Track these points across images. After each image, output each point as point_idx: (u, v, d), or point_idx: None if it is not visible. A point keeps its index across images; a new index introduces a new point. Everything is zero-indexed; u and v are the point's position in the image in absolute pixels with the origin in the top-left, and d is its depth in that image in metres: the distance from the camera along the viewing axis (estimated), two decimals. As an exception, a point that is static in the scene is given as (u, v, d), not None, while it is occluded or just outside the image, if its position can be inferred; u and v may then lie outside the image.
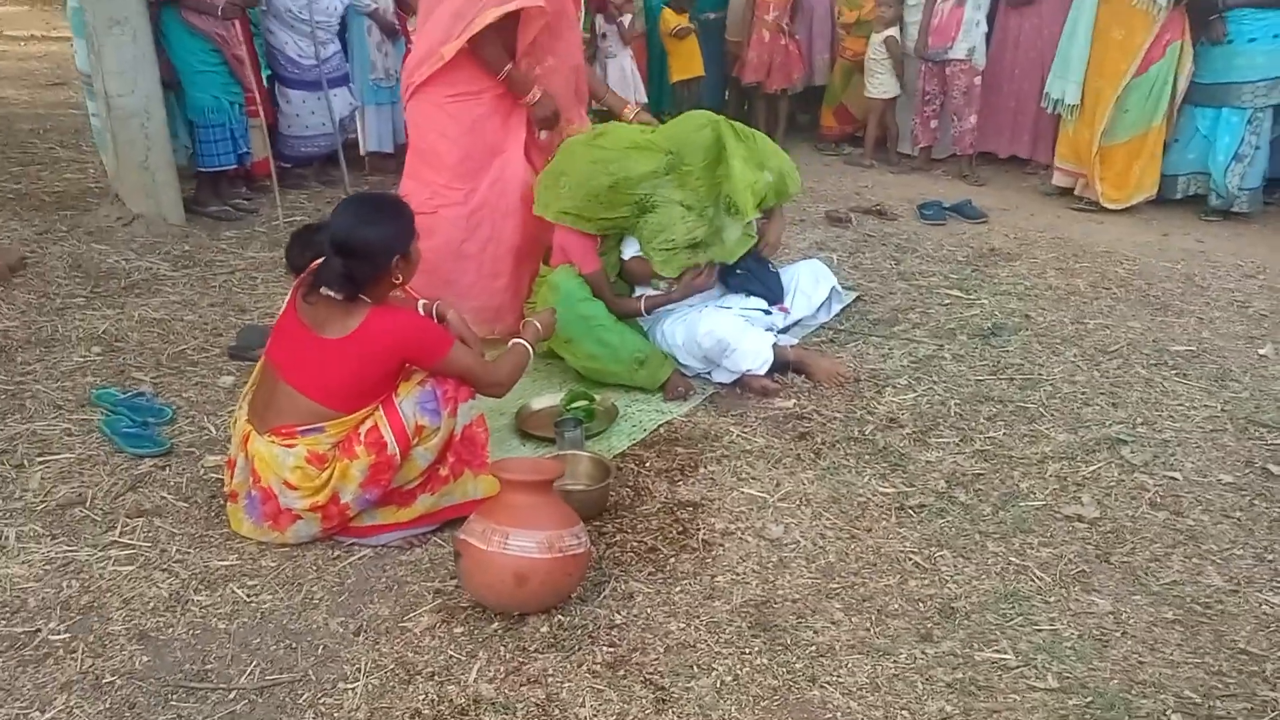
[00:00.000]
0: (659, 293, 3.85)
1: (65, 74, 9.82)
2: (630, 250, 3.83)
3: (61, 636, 2.45)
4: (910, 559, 2.81)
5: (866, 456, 3.35)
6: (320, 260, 2.71)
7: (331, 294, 2.69)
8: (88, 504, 2.97)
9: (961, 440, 3.47)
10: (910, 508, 3.06)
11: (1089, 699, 2.29)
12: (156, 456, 3.23)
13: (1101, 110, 6.06)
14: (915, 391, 3.82)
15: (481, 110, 3.86)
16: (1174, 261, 5.43)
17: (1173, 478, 3.25)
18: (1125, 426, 3.58)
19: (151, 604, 2.57)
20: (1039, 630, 2.52)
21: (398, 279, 2.79)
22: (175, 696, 2.28)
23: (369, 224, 2.71)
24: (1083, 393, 3.84)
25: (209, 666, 2.37)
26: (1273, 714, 2.26)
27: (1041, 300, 4.81)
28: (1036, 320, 4.55)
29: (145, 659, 2.39)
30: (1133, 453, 3.39)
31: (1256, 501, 3.12)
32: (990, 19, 6.90)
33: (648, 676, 2.33)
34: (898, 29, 7.06)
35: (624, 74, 7.04)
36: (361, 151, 6.62)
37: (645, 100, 7.24)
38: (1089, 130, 6.15)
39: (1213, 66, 5.94)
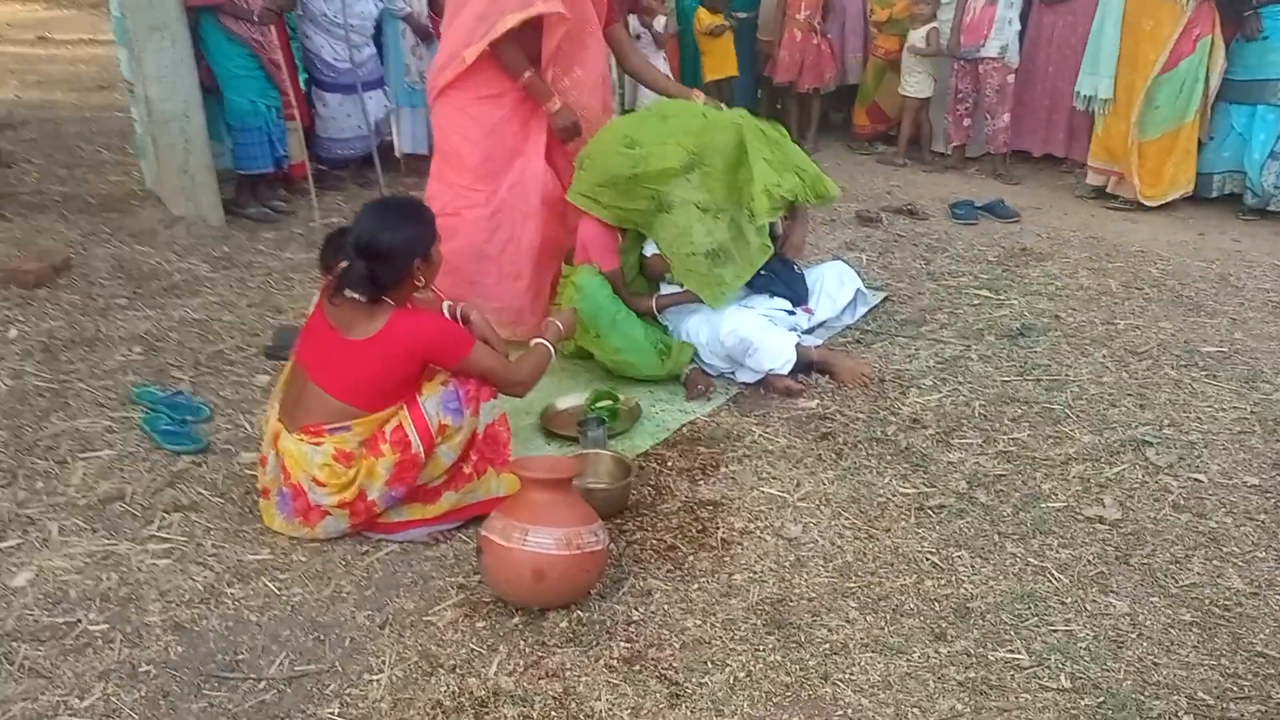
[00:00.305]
0: (670, 292, 3.91)
1: (111, 78, 10.02)
2: (652, 248, 3.88)
3: (100, 627, 2.54)
4: (928, 559, 2.83)
5: (888, 457, 3.37)
6: (344, 263, 2.79)
7: (355, 296, 2.76)
8: (127, 499, 3.07)
9: (985, 441, 3.48)
10: (930, 508, 3.08)
11: (1101, 699, 2.31)
12: (194, 453, 3.32)
13: (1135, 100, 6.00)
14: (940, 392, 3.83)
15: (502, 113, 3.92)
16: (1209, 261, 5.38)
17: (1197, 480, 3.24)
18: (1151, 428, 3.57)
19: (187, 596, 2.66)
20: (1054, 631, 2.54)
21: (419, 281, 2.86)
22: (208, 685, 2.36)
23: (390, 228, 2.78)
24: (1110, 394, 3.83)
25: (240, 657, 2.46)
26: (1286, 716, 2.27)
27: (1072, 300, 4.79)
28: (1066, 321, 4.54)
29: (180, 649, 2.47)
30: (1158, 454, 3.39)
31: (1281, 504, 3.11)
32: (1024, 16, 6.86)
33: (662, 671, 2.38)
34: (935, 24, 7.04)
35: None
36: (397, 153, 6.72)
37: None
38: (1123, 124, 6.09)
39: (1247, 63, 5.88)
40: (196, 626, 2.55)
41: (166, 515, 3.00)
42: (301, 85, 6.13)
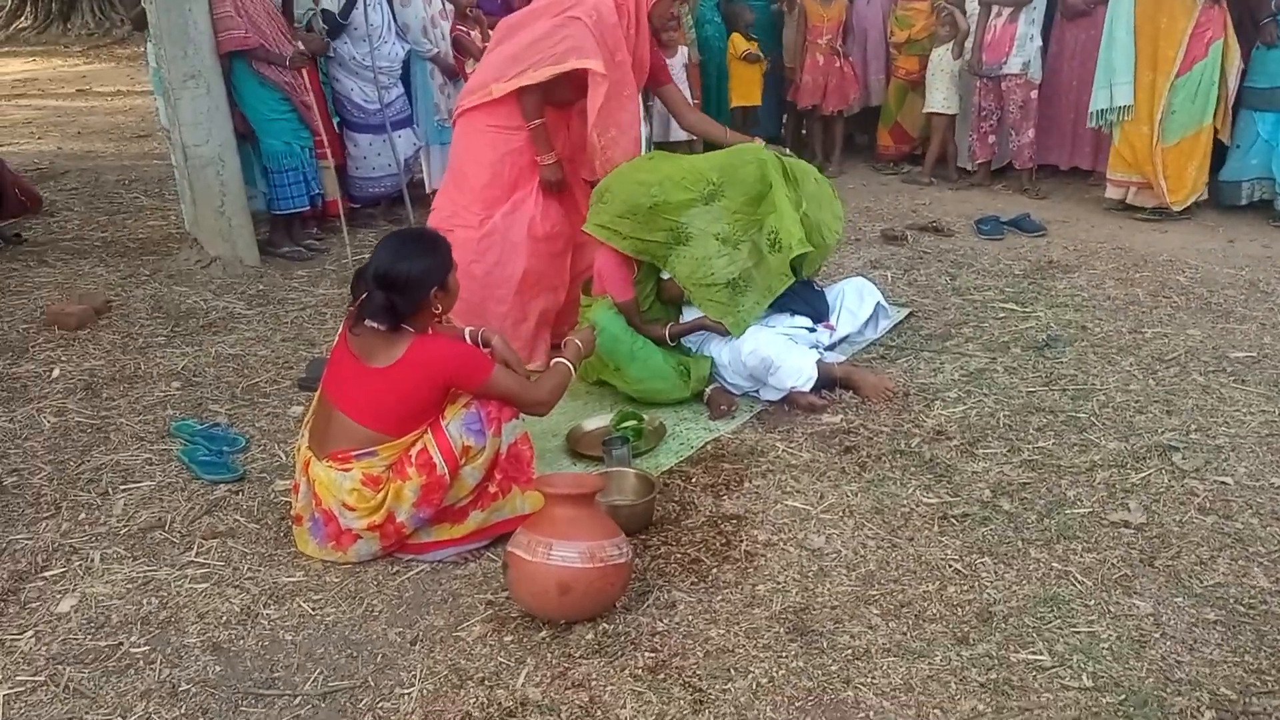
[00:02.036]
0: (684, 322, 3.95)
1: (149, 127, 10.34)
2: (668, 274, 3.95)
3: (142, 649, 2.62)
4: (951, 566, 2.85)
5: (912, 468, 3.39)
6: (364, 294, 2.88)
7: (376, 325, 2.85)
8: (167, 527, 3.17)
9: (1009, 450, 3.49)
10: (953, 517, 3.09)
11: (1122, 696, 2.31)
12: (231, 482, 3.42)
13: (1158, 102, 5.97)
14: (965, 404, 3.84)
15: (514, 146, 4.05)
16: (1238, 268, 5.35)
17: (1224, 482, 3.23)
18: (1178, 433, 3.56)
19: (224, 618, 2.73)
20: (1076, 632, 2.54)
21: (437, 309, 2.94)
22: (245, 702, 2.43)
23: (407, 258, 2.87)
24: (1136, 401, 3.82)
25: (276, 675, 2.52)
26: (1312, 711, 2.26)
27: (1099, 311, 4.79)
28: (1093, 331, 4.53)
29: (218, 668, 2.54)
30: (1184, 459, 3.38)
31: (1310, 504, 3.09)
32: (1045, 32, 6.89)
33: (687, 679, 2.42)
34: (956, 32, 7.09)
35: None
36: (427, 189, 6.85)
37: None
38: (1145, 128, 6.06)
39: (1268, 70, 5.87)
40: (234, 647, 2.62)
41: (204, 541, 3.09)
42: (335, 127, 6.30)
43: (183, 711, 2.40)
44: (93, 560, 3.00)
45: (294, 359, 4.47)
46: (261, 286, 5.43)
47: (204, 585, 2.88)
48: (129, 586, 2.87)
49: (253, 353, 4.54)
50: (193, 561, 2.99)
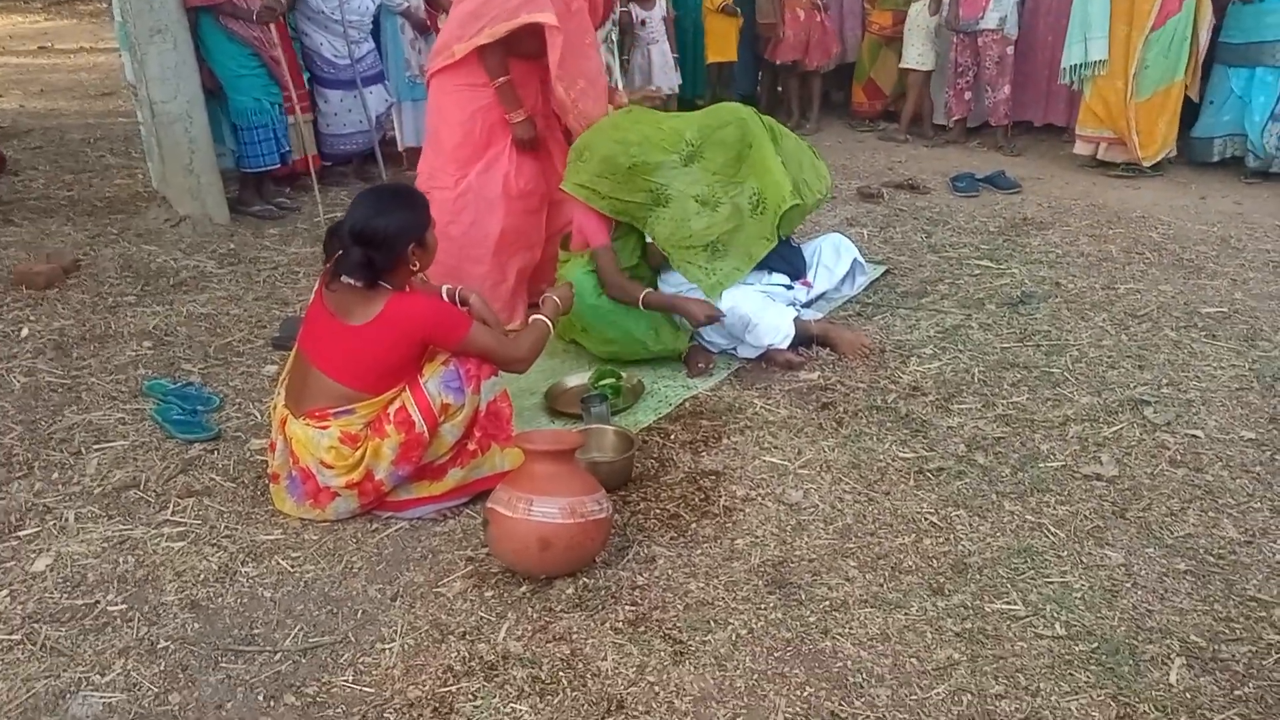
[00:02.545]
0: (658, 296, 3.85)
1: (113, 84, 10.15)
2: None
3: (119, 607, 2.60)
4: (926, 519, 2.88)
5: (888, 424, 3.41)
6: (340, 250, 2.84)
7: (352, 282, 2.82)
8: (142, 486, 3.14)
9: (984, 406, 3.52)
10: (929, 471, 3.12)
11: (1095, 645, 2.35)
12: (206, 441, 3.39)
13: (1132, 56, 5.98)
14: (940, 360, 3.87)
15: (483, 103, 4.00)
16: (1210, 224, 5.39)
17: (1194, 435, 3.28)
18: (1150, 388, 3.60)
19: (202, 576, 2.72)
20: (1049, 583, 2.58)
21: (415, 266, 2.91)
22: (224, 659, 2.43)
23: (384, 214, 2.84)
24: (1109, 356, 3.86)
25: (256, 631, 2.52)
26: (1277, 655, 2.31)
27: (1073, 267, 4.82)
28: (1067, 287, 4.56)
29: (196, 626, 2.54)
30: (1155, 413, 3.42)
31: (1277, 456, 3.14)
32: (1022, -13, 6.89)
33: (667, 632, 2.44)
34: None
35: (665, 59, 7.17)
36: (399, 147, 6.78)
37: (680, 83, 7.34)
38: (1119, 82, 6.07)
39: (1244, 25, 5.89)
40: (212, 604, 2.62)
41: (180, 500, 3.06)
42: (305, 83, 6.20)
43: (162, 669, 2.40)
44: (67, 520, 2.97)
45: (267, 318, 4.43)
46: (232, 245, 5.36)
47: (181, 544, 2.86)
48: (104, 545, 2.86)
49: (225, 312, 4.50)
50: (169, 520, 2.97)
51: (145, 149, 5.92)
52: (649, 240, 3.91)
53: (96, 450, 3.35)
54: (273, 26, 5.60)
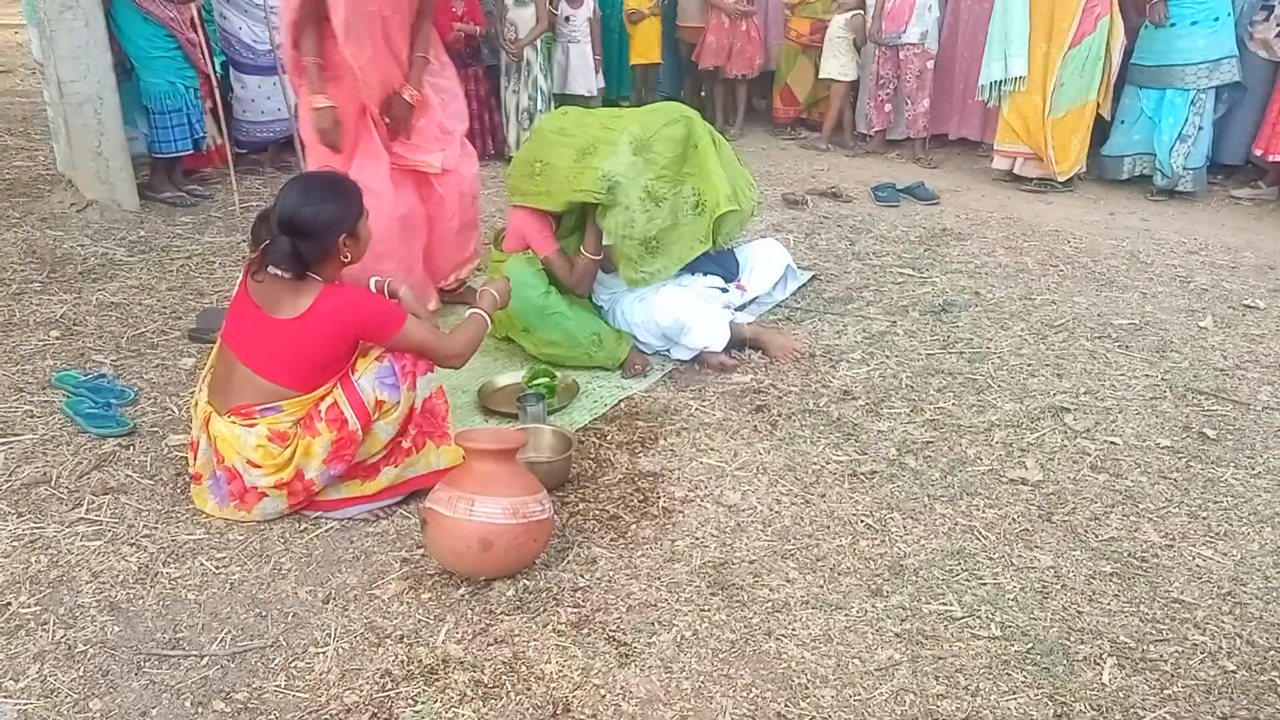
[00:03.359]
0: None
1: (10, 61, 9.69)
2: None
3: (32, 609, 2.47)
4: (862, 521, 2.91)
5: (821, 427, 3.45)
6: (268, 241, 2.75)
7: (280, 273, 2.73)
8: (53, 483, 2.99)
9: (912, 410, 3.58)
10: (862, 474, 3.16)
11: (1029, 645, 2.41)
12: (120, 436, 3.25)
13: (1050, 73, 6.15)
14: (868, 366, 3.92)
15: (342, 90, 3.79)
16: (1119, 239, 5.59)
17: (1113, 442, 3.38)
18: (1069, 395, 3.71)
19: (121, 577, 2.60)
20: (983, 584, 2.63)
21: (346, 258, 2.83)
22: (148, 664, 2.32)
23: (314, 203, 2.75)
24: (1029, 365, 3.96)
25: (180, 635, 2.42)
26: (1202, 655, 2.39)
27: (991, 278, 4.94)
28: (986, 297, 4.68)
29: (117, 629, 2.42)
30: (1075, 420, 3.52)
31: (1192, 464, 3.26)
32: (943, 4, 7.03)
33: (611, 634, 2.42)
34: (863, 10, 7.15)
35: (585, 60, 7.10)
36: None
37: (602, 86, 7.30)
38: (1037, 98, 6.24)
39: (1155, 49, 6.11)
40: (133, 606, 2.50)
41: (95, 498, 2.93)
42: (219, 68, 5.99)
43: (81, 673, 2.28)
44: (-28, 517, 2.82)
45: (182, 309, 4.27)
46: (143, 232, 5.16)
47: (97, 543, 2.74)
48: (14, 544, 2.71)
49: (137, 301, 4.32)
50: (83, 519, 2.84)
51: (51, 130, 5.66)
52: (606, 242, 3.83)
53: (3, 445, 3.18)
54: (192, 6, 5.40)
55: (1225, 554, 2.79)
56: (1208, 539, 2.86)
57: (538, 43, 6.81)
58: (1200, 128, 6.13)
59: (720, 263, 4.09)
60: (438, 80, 4.08)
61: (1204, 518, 2.97)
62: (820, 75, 7.52)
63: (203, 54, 5.53)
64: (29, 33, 5.57)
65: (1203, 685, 2.30)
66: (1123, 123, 6.36)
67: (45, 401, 3.44)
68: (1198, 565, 2.74)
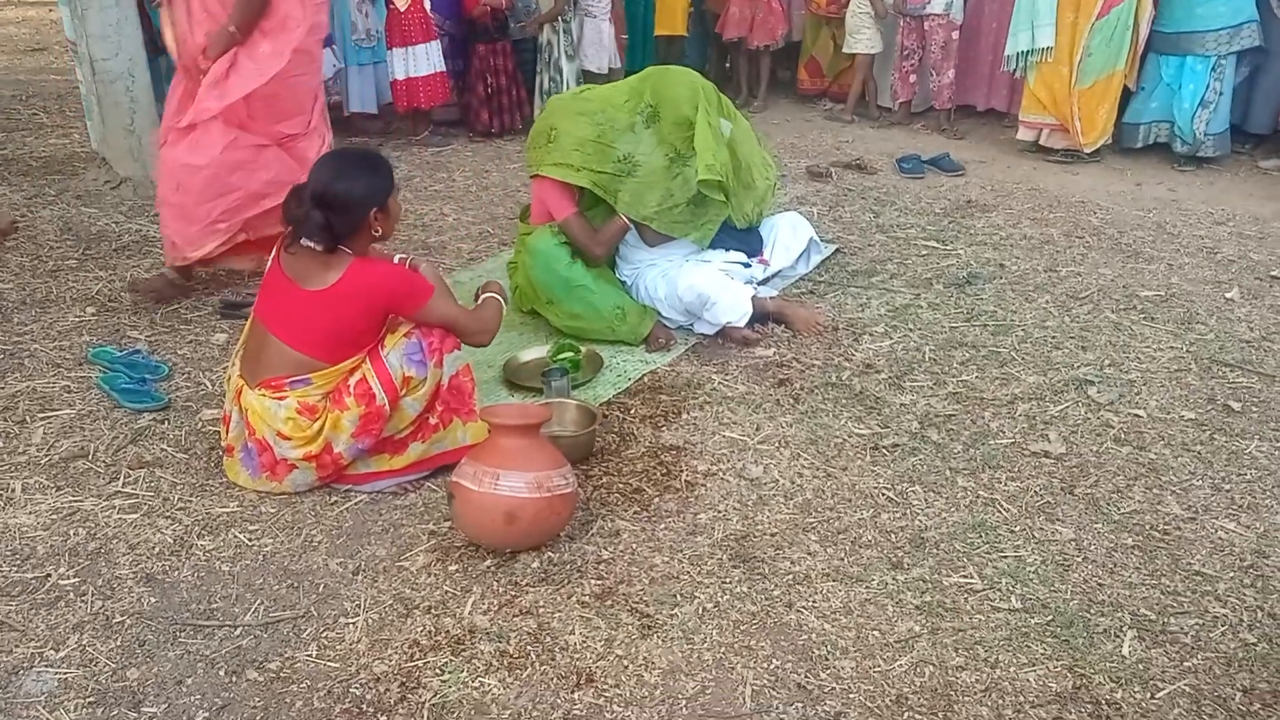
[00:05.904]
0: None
1: (45, 39, 9.79)
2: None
3: (71, 581, 2.55)
4: (883, 494, 2.93)
5: (843, 400, 3.47)
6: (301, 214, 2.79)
7: (312, 245, 2.78)
8: (90, 457, 3.07)
9: (935, 384, 3.59)
10: (884, 447, 3.18)
11: (1050, 617, 2.43)
12: (155, 411, 3.32)
13: (1078, 44, 6.08)
14: (891, 339, 3.93)
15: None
16: (1146, 210, 5.54)
17: (1137, 415, 3.38)
18: (1093, 368, 3.70)
19: (157, 549, 2.67)
20: (1004, 557, 2.65)
21: (377, 231, 2.87)
22: (183, 634, 2.39)
23: (346, 177, 2.79)
24: (1053, 337, 3.96)
25: (215, 605, 2.48)
26: (1222, 628, 2.40)
27: (1016, 249, 4.92)
28: (1010, 269, 4.66)
29: (153, 600, 2.49)
30: (1099, 392, 3.52)
31: (1216, 436, 3.26)
32: (968, -26, 6.96)
33: (634, 605, 2.46)
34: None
35: (600, 36, 7.07)
36: (345, 112, 6.65)
37: (616, 66, 7.26)
38: (1064, 69, 6.17)
39: (1175, 16, 6.04)
40: (168, 578, 2.57)
41: (131, 471, 3.00)
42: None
43: (118, 643, 2.35)
44: (14, 490, 2.89)
45: (214, 284, 4.32)
46: (175, 210, 5.22)
47: (133, 516, 2.81)
48: (54, 517, 2.79)
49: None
50: (120, 492, 2.91)
51: (84, 108, 5.74)
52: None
53: (42, 419, 3.26)
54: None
55: (1248, 526, 2.80)
56: (1230, 511, 2.86)
57: (558, 23, 6.80)
58: (1221, 94, 6.06)
59: (743, 238, 4.10)
60: (249, 63, 3.90)
61: (1227, 490, 2.97)
62: (845, 50, 7.47)
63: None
64: (61, 10, 5.63)
65: (1223, 658, 2.31)
66: (1143, 89, 6.29)
67: (82, 377, 3.51)
68: (1220, 538, 2.75)
